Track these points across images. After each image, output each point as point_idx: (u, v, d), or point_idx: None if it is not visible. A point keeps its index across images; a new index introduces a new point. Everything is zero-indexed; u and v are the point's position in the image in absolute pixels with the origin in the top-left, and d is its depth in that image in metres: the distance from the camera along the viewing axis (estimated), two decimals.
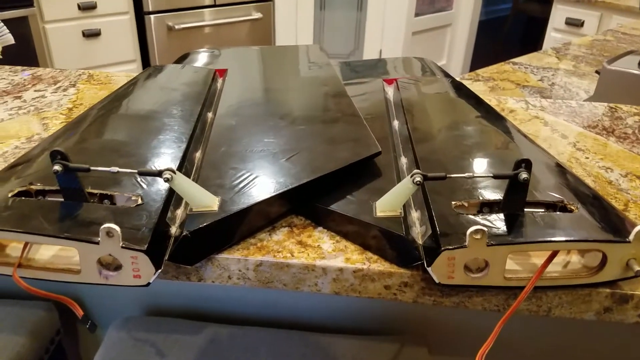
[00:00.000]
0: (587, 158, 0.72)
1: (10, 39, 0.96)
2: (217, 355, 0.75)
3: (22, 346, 0.77)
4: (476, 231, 0.43)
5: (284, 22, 3.52)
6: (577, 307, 0.49)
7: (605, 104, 0.91)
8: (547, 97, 1.34)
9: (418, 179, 0.47)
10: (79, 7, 2.84)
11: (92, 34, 2.92)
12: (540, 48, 1.90)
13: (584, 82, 1.55)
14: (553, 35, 3.30)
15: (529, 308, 0.49)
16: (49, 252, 0.49)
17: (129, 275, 0.44)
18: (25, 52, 2.54)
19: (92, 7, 2.87)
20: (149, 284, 0.45)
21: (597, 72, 1.31)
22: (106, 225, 0.42)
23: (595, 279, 0.46)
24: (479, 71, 1.79)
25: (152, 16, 3.01)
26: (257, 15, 3.35)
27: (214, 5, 3.18)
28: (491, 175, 0.48)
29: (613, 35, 2.12)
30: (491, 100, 0.90)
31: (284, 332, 0.79)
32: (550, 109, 0.87)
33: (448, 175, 0.48)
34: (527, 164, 0.47)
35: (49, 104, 0.81)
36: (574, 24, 3.20)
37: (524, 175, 0.46)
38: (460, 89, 0.82)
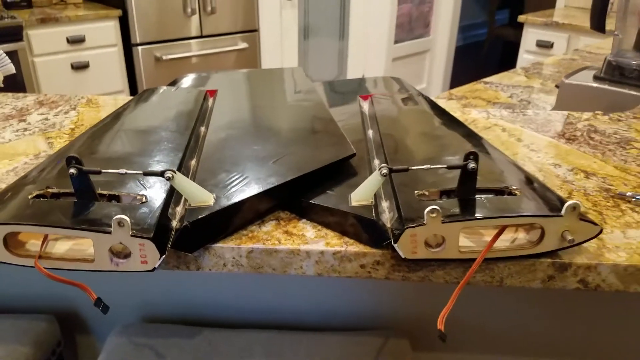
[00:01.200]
0: (539, 157, 0.81)
1: (11, 69, 1.04)
2: (214, 356, 0.81)
3: (25, 356, 0.82)
4: (432, 210, 0.51)
5: (269, 51, 3.64)
6: (525, 276, 0.57)
7: (559, 112, 1.01)
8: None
9: (385, 171, 0.56)
10: (68, 41, 2.92)
11: (80, 66, 3.00)
12: None
13: (550, 97, 1.66)
14: (525, 57, 3.47)
15: (484, 279, 0.57)
16: (64, 246, 0.56)
17: (137, 261, 0.52)
18: (13, 84, 2.61)
19: (81, 40, 2.96)
20: (154, 269, 0.52)
21: (556, 86, 1.43)
22: (118, 216, 0.49)
23: (536, 249, 0.55)
24: (452, 90, 1.90)
25: (139, 47, 3.10)
26: (243, 45, 3.45)
27: (201, 36, 3.28)
28: (445, 166, 0.57)
29: (579, 54, 2.25)
30: (456, 112, 0.99)
31: (276, 332, 0.85)
32: (509, 117, 0.97)
33: (409, 168, 0.57)
34: (474, 156, 0.55)
35: (52, 125, 0.89)
36: (545, 45, 3.37)
37: (471, 164, 0.55)
38: (426, 103, 0.92)
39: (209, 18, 3.26)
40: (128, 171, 0.54)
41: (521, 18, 3.40)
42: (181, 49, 3.24)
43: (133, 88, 3.24)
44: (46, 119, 0.91)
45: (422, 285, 0.81)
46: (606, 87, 1.30)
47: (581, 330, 0.81)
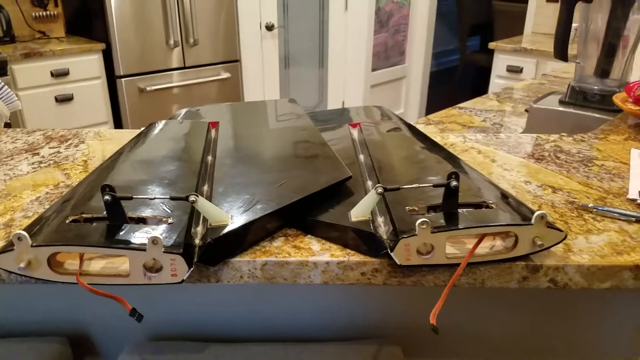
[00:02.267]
0: (512, 175, 0.91)
1: (18, 105, 1.10)
2: None
3: None
4: (422, 222, 0.60)
5: (251, 80, 3.73)
6: (503, 277, 0.65)
7: (529, 135, 1.12)
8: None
9: (380, 190, 0.65)
10: (52, 74, 2.97)
11: (65, 99, 3.05)
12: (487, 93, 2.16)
13: (521, 120, 1.78)
14: (496, 82, 3.65)
15: (468, 281, 0.66)
16: (99, 264, 0.62)
17: (168, 274, 0.59)
18: None
19: (65, 73, 3.01)
20: (182, 281, 0.60)
21: (526, 110, 1.55)
22: (152, 235, 0.57)
23: (512, 254, 0.64)
24: (430, 116, 2.01)
25: (123, 80, 3.16)
26: (225, 75, 3.55)
27: (184, 68, 3.37)
28: (431, 184, 0.66)
29: (546, 79, 2.40)
30: (436, 136, 1.10)
31: (279, 345, 0.92)
32: (483, 141, 1.07)
33: (401, 187, 0.66)
34: (456, 175, 0.65)
35: (65, 158, 0.95)
36: (514, 70, 3.56)
37: (454, 182, 0.64)
38: (411, 129, 1.01)
39: (192, 49, 3.36)
40: (157, 197, 0.62)
41: (491, 45, 3.60)
42: (164, 80, 3.31)
43: (117, 119, 3.29)
44: (58, 151, 0.98)
45: (412, 295, 0.89)
46: (570, 110, 1.42)
47: (564, 331, 0.90)
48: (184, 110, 1.16)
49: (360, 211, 0.67)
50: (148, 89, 3.23)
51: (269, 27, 3.65)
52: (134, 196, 0.61)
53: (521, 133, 1.54)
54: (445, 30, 6.31)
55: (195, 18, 3.27)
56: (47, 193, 0.82)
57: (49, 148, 1.00)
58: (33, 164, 0.93)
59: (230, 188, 0.74)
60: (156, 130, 0.97)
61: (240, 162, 0.83)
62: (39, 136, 1.06)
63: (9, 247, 0.58)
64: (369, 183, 0.80)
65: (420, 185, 0.66)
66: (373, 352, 0.91)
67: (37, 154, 0.97)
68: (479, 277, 0.66)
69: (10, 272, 0.59)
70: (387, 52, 4.24)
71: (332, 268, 0.65)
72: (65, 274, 0.59)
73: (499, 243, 0.67)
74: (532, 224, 0.62)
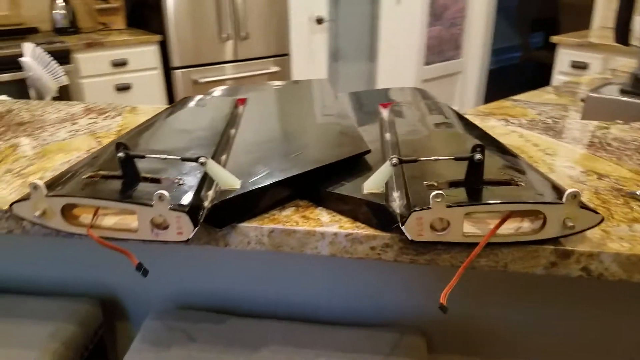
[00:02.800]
0: (553, 160, 0.84)
1: (65, 80, 1.14)
2: (239, 341, 0.87)
3: (72, 333, 0.90)
4: (437, 195, 0.56)
5: (300, 74, 3.74)
6: (528, 262, 0.60)
7: (578, 121, 1.04)
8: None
9: (395, 161, 0.61)
10: (112, 64, 3.09)
11: (123, 88, 3.16)
12: None
13: (579, 114, 1.67)
14: (559, 78, 3.46)
15: (488, 264, 0.61)
16: (112, 220, 0.63)
17: (174, 232, 0.58)
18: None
19: (124, 63, 3.12)
20: (188, 240, 0.59)
21: (582, 100, 1.45)
22: (159, 191, 0.56)
23: (538, 236, 0.58)
24: (480, 107, 1.92)
25: (178, 71, 3.24)
26: (275, 68, 3.57)
27: (236, 61, 3.42)
28: (453, 157, 0.61)
29: (612, 73, 2.25)
30: (475, 119, 1.04)
31: (296, 324, 0.90)
32: (527, 125, 1.01)
33: (418, 159, 0.62)
34: (481, 148, 0.60)
35: (101, 128, 0.98)
36: (579, 66, 3.35)
37: (477, 156, 0.60)
38: (447, 111, 0.96)
39: (243, 43, 3.40)
40: (168, 156, 0.61)
41: (554, 39, 3.41)
42: (216, 73, 3.37)
43: None
44: (95, 122, 1.01)
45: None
46: (630, 99, 1.31)
47: (606, 335, 0.83)
48: (220, 88, 1.16)
49: (373, 183, 0.64)
50: (201, 80, 3.30)
51: (319, 21, 3.63)
52: (147, 155, 0.61)
53: None
54: (507, 25, 6.08)
55: (247, 12, 3.31)
56: (78, 157, 0.84)
57: (88, 119, 1.03)
58: (70, 131, 0.96)
59: (246, 157, 0.72)
60: (186, 104, 0.98)
61: (261, 135, 0.82)
62: (80, 108, 1.09)
63: (26, 196, 0.59)
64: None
65: (440, 157, 0.62)
66: (393, 341, 0.87)
67: (76, 123, 1.00)
68: (501, 259, 0.61)
69: (25, 220, 0.61)
70: (442, 46, 4.13)
71: (340, 240, 0.62)
72: (78, 226, 0.60)
73: (526, 225, 0.61)
74: (562, 203, 0.57)
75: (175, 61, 3.20)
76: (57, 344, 0.84)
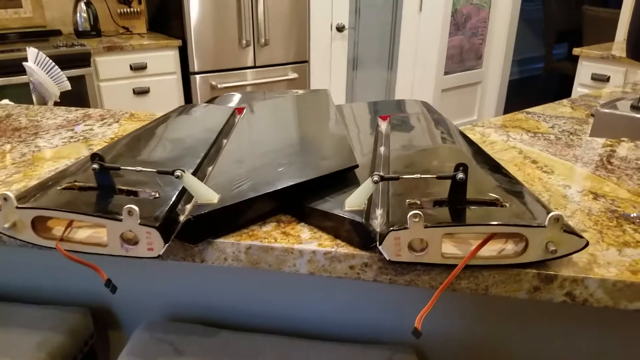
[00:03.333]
0: (550, 178, 0.81)
1: (67, 86, 1.15)
2: (229, 355, 0.85)
3: (60, 343, 0.89)
4: (415, 215, 0.54)
5: (318, 81, 3.73)
6: (510, 285, 0.58)
7: (582, 137, 1.01)
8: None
9: (376, 178, 0.59)
10: (131, 68, 3.13)
11: (141, 92, 3.20)
12: None
13: None
14: (579, 90, 3.38)
15: (469, 286, 0.59)
16: (85, 233, 0.62)
17: (144, 248, 0.57)
18: (80, 107, 2.83)
19: (143, 67, 3.16)
20: (159, 256, 0.58)
21: (592, 115, 1.41)
22: (128, 205, 0.55)
23: (520, 259, 0.56)
24: (492, 119, 1.88)
25: (197, 76, 3.27)
26: (293, 75, 3.57)
27: (254, 67, 3.43)
28: (435, 176, 0.59)
29: (632, 87, 2.19)
30: (475, 134, 1.01)
31: (288, 339, 0.89)
32: (528, 141, 0.98)
33: (400, 176, 0.60)
34: (464, 167, 0.58)
35: (95, 135, 0.98)
36: (600, 79, 3.28)
37: (460, 175, 0.58)
38: (441, 123, 0.94)
39: (263, 49, 3.41)
40: (143, 169, 0.61)
41: (576, 51, 3.34)
42: (235, 78, 3.38)
43: None
44: (91, 129, 1.01)
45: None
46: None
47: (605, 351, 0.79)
48: (226, 95, 1.16)
49: (354, 200, 0.62)
50: (219, 86, 3.32)
51: (340, 29, 3.63)
52: (122, 167, 0.60)
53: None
54: (530, 36, 5.99)
55: (267, 18, 3.32)
56: (66, 165, 0.84)
57: (84, 125, 1.03)
58: (64, 138, 0.96)
59: (230, 169, 0.71)
60: (182, 113, 0.97)
61: (250, 146, 0.81)
62: (79, 114, 1.10)
63: None
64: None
65: (423, 175, 0.60)
66: (385, 358, 0.85)
67: (72, 129, 1.01)
68: (482, 282, 0.58)
69: None
70: (462, 55, 4.08)
71: (319, 258, 0.61)
72: (48, 239, 0.60)
73: (509, 247, 0.59)
74: (544, 227, 0.54)
75: (195, 66, 3.23)
76: (44, 354, 0.84)
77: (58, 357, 0.87)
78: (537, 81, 5.48)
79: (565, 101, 2.03)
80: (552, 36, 5.15)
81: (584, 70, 3.34)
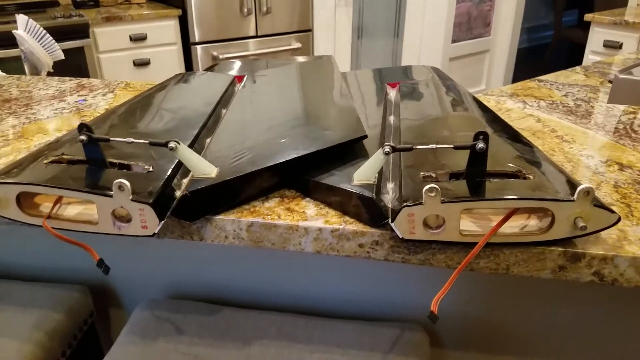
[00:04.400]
0: (571, 147, 0.76)
1: (60, 55, 1.10)
2: (230, 333, 0.82)
3: (58, 322, 0.86)
4: (430, 189, 0.50)
5: (322, 51, 3.65)
6: (533, 265, 0.53)
7: (603, 104, 0.95)
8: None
9: (387, 149, 0.54)
10: (131, 39, 3.05)
11: (142, 63, 3.13)
12: None
13: (607, 96, 1.55)
14: (591, 58, 3.28)
15: (488, 266, 0.54)
16: (75, 210, 0.58)
17: (138, 226, 0.53)
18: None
19: (143, 38, 3.08)
20: (154, 234, 0.54)
21: (610, 81, 1.34)
22: (118, 180, 0.51)
23: (545, 236, 0.51)
24: (504, 88, 1.81)
25: (198, 46, 3.19)
26: (296, 45, 3.48)
27: (256, 36, 3.34)
28: (452, 146, 0.54)
29: None
30: (490, 101, 0.96)
31: (291, 316, 0.85)
32: (547, 108, 0.92)
33: (414, 147, 0.55)
34: (484, 136, 0.53)
35: (89, 106, 0.93)
36: (612, 46, 3.18)
37: (480, 144, 0.52)
38: (458, 91, 0.88)
39: (265, 18, 3.32)
40: (135, 140, 0.56)
41: (588, 17, 3.23)
42: (237, 49, 3.30)
43: None
44: (85, 99, 0.96)
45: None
46: None
47: (614, 331, 0.75)
48: (226, 62, 1.10)
49: (364, 173, 0.57)
50: (221, 56, 3.24)
51: None
52: (111, 138, 0.56)
53: None
54: (539, 3, 5.82)
55: None
56: (57, 137, 0.80)
57: (77, 96, 0.98)
58: (56, 109, 0.91)
59: (230, 141, 0.67)
60: (180, 81, 0.92)
61: (251, 116, 0.76)
62: (72, 84, 1.05)
63: None
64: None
65: (439, 146, 0.54)
66: (394, 336, 0.82)
67: (64, 100, 0.96)
68: (502, 261, 0.54)
69: None
70: (470, 23, 3.96)
71: (326, 236, 0.56)
72: (34, 216, 0.55)
73: (533, 223, 0.54)
74: (573, 200, 0.49)
75: (195, 36, 3.15)
76: (41, 333, 0.81)
77: (56, 336, 0.84)
78: (547, 49, 5.34)
79: (578, 68, 1.96)
80: (562, 2, 4.98)
81: (596, 37, 3.24)
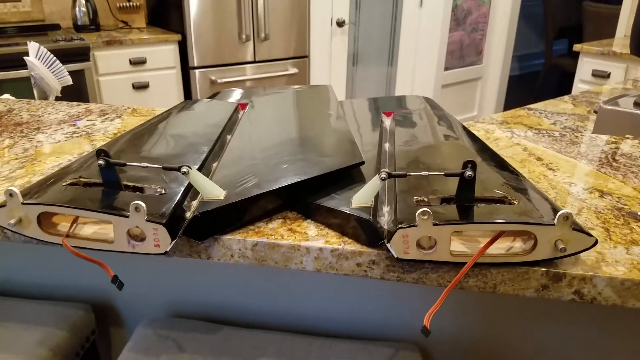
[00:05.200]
0: (555, 175, 0.81)
1: (69, 80, 1.14)
2: (230, 352, 0.85)
3: (61, 339, 0.89)
4: (423, 212, 0.54)
5: (318, 77, 3.72)
6: (518, 284, 0.58)
7: (586, 134, 1.00)
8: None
9: (383, 175, 0.59)
10: (130, 62, 3.11)
11: (141, 86, 3.18)
12: None
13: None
14: (580, 87, 3.38)
15: (477, 284, 0.58)
16: (91, 229, 0.62)
17: (151, 244, 0.57)
18: (79, 101, 2.81)
19: (142, 62, 3.14)
20: (166, 252, 0.57)
21: (594, 111, 1.40)
22: (135, 202, 0.55)
23: (529, 257, 0.56)
24: (494, 115, 1.88)
25: (197, 71, 3.25)
26: (293, 70, 3.56)
27: (254, 62, 3.42)
28: (442, 173, 0.59)
29: (633, 84, 2.19)
30: (479, 130, 1.01)
31: (290, 335, 0.88)
32: (532, 138, 0.97)
33: (408, 174, 0.59)
34: (472, 165, 0.58)
35: (97, 130, 0.98)
36: (600, 75, 3.28)
37: (468, 172, 0.57)
38: (445, 120, 0.94)
39: (262, 44, 3.40)
40: (149, 165, 0.60)
41: (576, 47, 3.33)
42: (235, 73, 3.37)
43: None
44: (93, 124, 1.01)
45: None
46: None
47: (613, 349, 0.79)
48: (228, 90, 1.15)
49: (361, 197, 0.62)
50: (219, 81, 3.31)
51: (340, 24, 3.62)
52: (128, 163, 0.60)
53: None
54: (530, 32, 5.97)
55: (267, 13, 3.31)
56: (69, 161, 0.84)
57: (87, 120, 1.03)
58: (67, 133, 0.96)
59: (235, 166, 0.71)
60: (184, 108, 0.97)
61: (255, 142, 0.80)
62: (81, 109, 1.09)
63: (2, 203, 0.58)
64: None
65: (430, 173, 0.59)
66: (388, 355, 0.85)
67: (74, 125, 1.00)
68: (490, 280, 0.58)
69: (2, 228, 0.60)
70: (462, 51, 4.07)
71: (326, 255, 0.60)
72: (54, 235, 0.59)
73: (518, 245, 0.59)
74: (554, 225, 0.54)
75: (194, 61, 3.21)
76: (45, 350, 0.84)
77: (59, 353, 0.87)
78: (537, 77, 5.47)
79: (566, 97, 2.03)
80: (553, 32, 5.13)
81: (585, 67, 3.34)
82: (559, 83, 5.67)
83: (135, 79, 3.15)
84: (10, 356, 0.82)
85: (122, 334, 1.02)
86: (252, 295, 0.89)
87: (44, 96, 1.16)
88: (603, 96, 2.03)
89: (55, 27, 3.25)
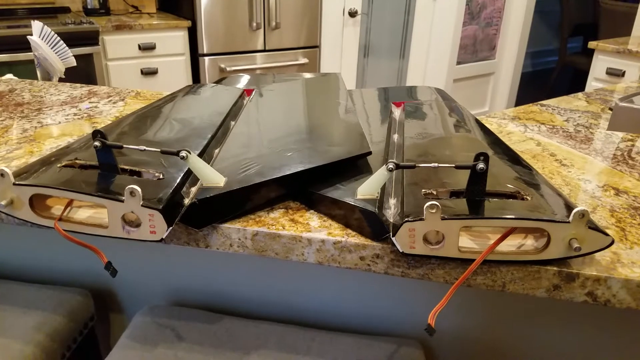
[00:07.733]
0: (570, 172, 0.78)
1: (73, 61, 1.12)
2: (231, 342, 0.83)
3: (59, 324, 0.87)
4: (431, 205, 0.51)
5: (328, 67, 3.68)
6: (529, 283, 0.55)
7: (602, 131, 0.97)
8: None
9: (391, 166, 0.56)
10: (139, 47, 3.09)
11: (149, 72, 3.16)
12: None
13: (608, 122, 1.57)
14: (594, 85, 3.32)
15: (485, 282, 0.56)
16: (86, 213, 0.60)
17: (147, 231, 0.55)
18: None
19: (152, 47, 3.12)
20: (162, 239, 0.55)
21: (610, 109, 1.36)
22: (130, 186, 0.53)
23: (541, 256, 0.53)
24: (506, 110, 1.84)
25: (206, 58, 3.23)
26: (303, 60, 3.52)
27: (264, 50, 3.38)
28: (453, 165, 0.56)
29: None
30: (492, 124, 0.98)
31: (292, 327, 0.86)
32: (547, 133, 0.94)
33: (417, 165, 0.57)
34: (484, 157, 0.55)
35: (99, 113, 0.95)
36: (615, 74, 3.22)
37: (480, 165, 0.54)
38: (458, 112, 0.91)
39: (273, 33, 3.36)
40: (147, 148, 0.58)
41: (591, 45, 3.27)
42: (244, 62, 3.34)
43: None
44: (96, 106, 0.99)
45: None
46: None
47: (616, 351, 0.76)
48: (234, 75, 1.13)
49: (367, 188, 0.59)
50: (228, 68, 3.28)
51: (352, 14, 3.57)
52: (125, 145, 0.58)
53: None
54: (545, 29, 5.88)
55: (279, 1, 3.27)
56: (68, 142, 0.82)
57: (89, 103, 1.01)
58: (68, 115, 0.94)
59: (238, 153, 0.69)
60: (189, 92, 0.94)
61: (259, 129, 0.78)
62: (84, 91, 1.07)
63: None
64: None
65: (440, 164, 0.56)
66: (391, 351, 0.83)
67: (76, 106, 0.98)
68: (499, 278, 0.55)
69: None
70: (476, 46, 4.01)
71: (328, 247, 0.58)
72: (46, 218, 0.57)
73: (529, 242, 0.56)
74: (569, 222, 0.51)
75: (204, 48, 3.19)
76: (42, 335, 0.82)
77: (57, 338, 0.85)
78: (551, 74, 5.40)
79: (580, 94, 1.99)
80: (568, 29, 5.05)
81: (599, 64, 3.28)
82: (572, 81, 5.59)
83: (144, 64, 3.13)
84: (6, 341, 0.80)
85: (121, 321, 1.01)
86: (254, 285, 0.87)
87: (47, 77, 1.14)
88: (617, 94, 1.99)
89: (65, 10, 3.24)
